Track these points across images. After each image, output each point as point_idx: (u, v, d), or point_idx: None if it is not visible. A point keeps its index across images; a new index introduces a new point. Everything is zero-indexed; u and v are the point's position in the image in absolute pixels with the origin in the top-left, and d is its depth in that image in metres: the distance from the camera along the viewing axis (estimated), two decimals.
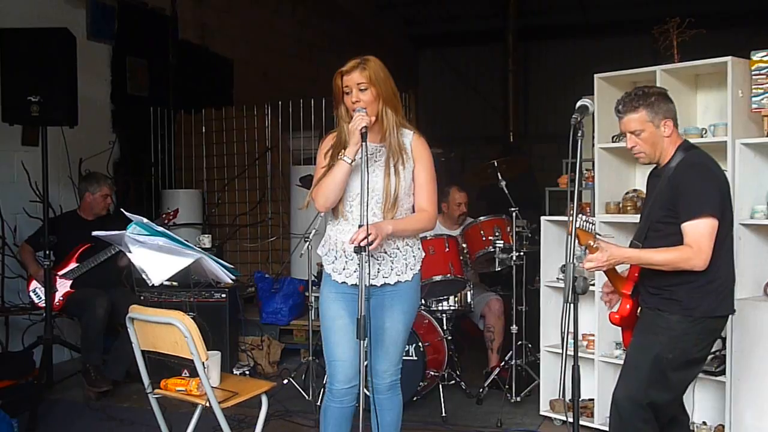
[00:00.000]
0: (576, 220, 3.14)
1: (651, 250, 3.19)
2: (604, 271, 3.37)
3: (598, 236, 3.18)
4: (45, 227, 5.14)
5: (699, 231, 3.05)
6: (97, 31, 7.15)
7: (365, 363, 3.09)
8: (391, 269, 3.33)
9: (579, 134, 2.97)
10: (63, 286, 5.55)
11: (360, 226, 3.04)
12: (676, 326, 3.16)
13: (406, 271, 3.35)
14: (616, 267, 3.32)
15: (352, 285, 3.30)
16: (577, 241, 3.17)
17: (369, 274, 3.16)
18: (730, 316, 3.33)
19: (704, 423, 4.25)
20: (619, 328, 3.53)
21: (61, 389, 5.51)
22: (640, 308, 3.37)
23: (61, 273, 5.56)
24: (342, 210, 3.32)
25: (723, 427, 4.07)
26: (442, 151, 8.57)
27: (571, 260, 2.87)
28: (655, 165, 3.37)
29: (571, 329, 2.90)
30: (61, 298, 5.53)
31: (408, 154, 3.32)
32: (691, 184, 3.13)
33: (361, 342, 2.99)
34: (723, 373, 4.03)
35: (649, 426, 3.23)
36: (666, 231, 3.18)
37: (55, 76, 4.91)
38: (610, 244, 3.17)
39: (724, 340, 4.01)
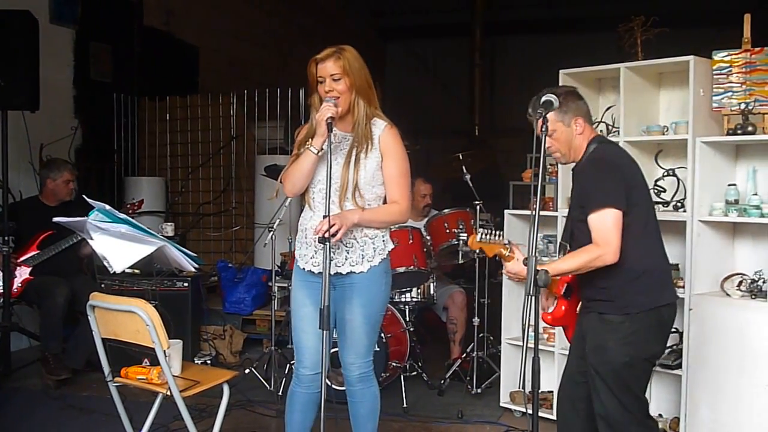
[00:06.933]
0: (477, 234, 3.20)
1: (560, 259, 3.20)
2: None
3: (508, 244, 3.18)
4: (4, 213, 5.07)
5: (603, 223, 3.03)
6: (60, 15, 7.06)
7: (332, 352, 3.09)
8: (345, 259, 3.31)
9: (543, 129, 2.99)
10: (22, 273, 5.48)
11: (324, 217, 3.04)
12: (620, 327, 3.11)
13: (362, 262, 3.32)
14: None
15: (310, 272, 3.35)
16: (484, 254, 3.17)
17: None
18: (680, 308, 3.30)
19: (660, 415, 4.33)
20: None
21: (20, 377, 5.44)
22: (580, 308, 3.33)
23: (20, 260, 5.48)
24: (308, 198, 3.36)
25: (678, 419, 4.15)
26: (408, 143, 8.58)
27: (533, 254, 2.88)
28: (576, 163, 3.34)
29: (532, 322, 2.92)
30: (20, 285, 5.45)
31: (373, 143, 3.30)
32: (591, 178, 3.15)
33: (323, 332, 2.99)
34: (679, 366, 4.10)
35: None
36: (587, 228, 3.13)
37: (17, 60, 4.85)
38: (519, 257, 3.14)
39: (681, 334, 4.09)
